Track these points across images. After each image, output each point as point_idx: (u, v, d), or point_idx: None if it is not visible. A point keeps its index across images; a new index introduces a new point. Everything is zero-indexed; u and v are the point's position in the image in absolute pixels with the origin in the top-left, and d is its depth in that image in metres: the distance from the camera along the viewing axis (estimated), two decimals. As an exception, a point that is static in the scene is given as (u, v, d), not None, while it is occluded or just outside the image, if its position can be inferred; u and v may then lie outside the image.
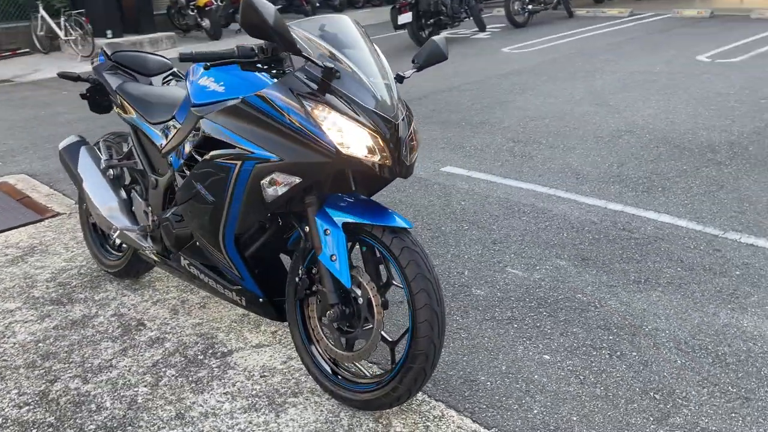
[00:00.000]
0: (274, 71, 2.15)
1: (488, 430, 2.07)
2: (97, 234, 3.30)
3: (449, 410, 2.16)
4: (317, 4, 16.44)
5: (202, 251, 2.44)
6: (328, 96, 1.96)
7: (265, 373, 2.41)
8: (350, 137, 1.94)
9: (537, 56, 9.00)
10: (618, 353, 2.46)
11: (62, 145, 3.11)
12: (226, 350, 2.58)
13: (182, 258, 2.56)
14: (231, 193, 2.16)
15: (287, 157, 1.99)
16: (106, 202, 2.84)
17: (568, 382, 2.30)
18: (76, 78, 3.08)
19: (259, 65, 2.14)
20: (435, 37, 2.33)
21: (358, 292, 2.07)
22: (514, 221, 3.72)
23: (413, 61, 2.29)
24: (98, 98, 3.14)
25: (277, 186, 2.04)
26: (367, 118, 1.95)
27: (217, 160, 2.17)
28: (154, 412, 2.24)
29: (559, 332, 2.61)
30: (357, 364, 2.28)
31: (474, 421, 2.11)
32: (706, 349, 2.46)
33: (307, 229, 2.14)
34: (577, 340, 2.56)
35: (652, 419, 2.10)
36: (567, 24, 12.11)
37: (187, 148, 2.39)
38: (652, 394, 2.22)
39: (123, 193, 2.89)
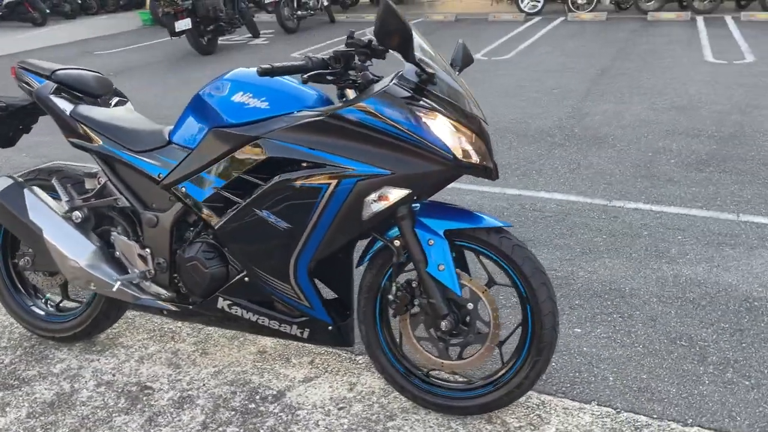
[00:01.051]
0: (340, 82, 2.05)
1: (588, 404, 2.23)
2: (22, 292, 2.70)
3: (543, 396, 2.26)
4: (47, 11, 14.80)
5: (252, 287, 2.19)
6: (432, 101, 1.93)
7: (341, 405, 2.25)
8: (461, 142, 1.93)
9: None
10: (626, 315, 2.79)
11: None
12: (275, 392, 2.34)
13: (220, 299, 2.25)
14: (318, 216, 1.99)
15: (399, 169, 1.92)
16: (82, 253, 2.35)
17: (612, 348, 2.55)
18: None
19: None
20: (460, 41, 2.37)
21: (467, 297, 2.07)
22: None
23: (452, 65, 2.29)
24: (9, 127, 2.59)
25: (381, 201, 1.95)
26: (466, 120, 1.97)
27: (300, 182, 1.98)
28: (253, 475, 1.97)
29: (568, 306, 2.87)
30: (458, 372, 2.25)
31: (573, 400, 2.25)
32: (681, 297, 2.92)
33: (397, 242, 2.07)
34: (585, 310, 2.84)
35: (696, 361, 2.46)
36: (334, 29, 12.58)
37: (227, 174, 2.12)
38: (678, 342, 2.58)
39: (97, 240, 2.42)
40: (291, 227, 2.04)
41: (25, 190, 2.43)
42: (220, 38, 10.83)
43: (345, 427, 2.15)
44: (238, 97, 2.11)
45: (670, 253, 3.33)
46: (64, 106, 2.40)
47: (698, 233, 3.55)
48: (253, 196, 2.06)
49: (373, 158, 1.93)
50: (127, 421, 2.22)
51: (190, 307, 2.31)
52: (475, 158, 1.95)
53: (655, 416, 2.15)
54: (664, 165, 4.58)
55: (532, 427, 2.11)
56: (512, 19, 12.59)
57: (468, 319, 2.09)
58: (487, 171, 1.99)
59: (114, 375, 2.47)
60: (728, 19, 11.11)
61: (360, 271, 2.19)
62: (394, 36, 1.76)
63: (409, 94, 1.92)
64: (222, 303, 2.25)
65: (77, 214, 2.41)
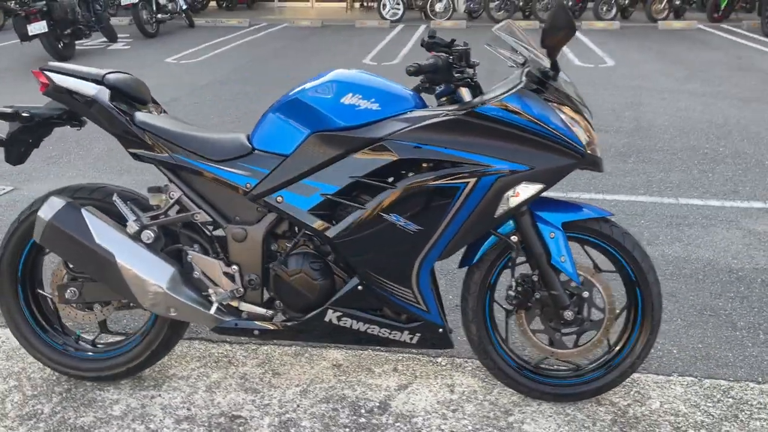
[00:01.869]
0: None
1: (671, 376, 2.41)
2: (49, 330, 2.35)
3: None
4: None
5: (365, 296, 2.11)
6: (557, 96, 2.00)
7: (452, 407, 2.23)
8: (587, 134, 2.02)
9: (220, 65, 8.89)
10: (648, 293, 3.04)
11: (47, 213, 2.09)
12: (377, 403, 2.25)
13: (330, 311, 2.12)
14: (452, 216, 1.98)
15: (537, 164, 1.96)
16: (163, 276, 2.08)
17: (667, 325, 2.74)
18: (12, 116, 2.15)
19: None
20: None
21: (583, 286, 2.16)
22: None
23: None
24: (21, 142, 2.26)
25: (516, 197, 1.99)
26: (584, 111, 2.06)
27: (435, 182, 1.95)
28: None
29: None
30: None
31: (657, 374, 2.42)
32: (679, 273, 3.23)
33: (514, 238, 2.11)
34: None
35: (730, 328, 2.74)
36: (196, 33, 12.08)
37: (340, 179, 2.02)
38: (705, 313, 2.86)
39: (173, 261, 2.16)
40: (421, 229, 2.00)
41: (84, 212, 2.11)
42: (77, 43, 9.93)
43: (469, 428, 2.14)
44: (347, 99, 2.02)
45: (644, 236, 3.66)
46: (127, 114, 2.13)
47: (655, 217, 3.94)
48: (381, 199, 1.98)
49: (512, 154, 1.95)
50: (239, 455, 2.03)
51: (290, 323, 2.16)
52: (598, 151, 2.05)
53: (731, 379, 2.39)
54: (595, 158, 5.01)
55: (639, 404, 2.25)
56: (378, 25, 12.90)
57: (584, 307, 2.18)
58: (597, 163, 2.09)
59: (189, 409, 2.23)
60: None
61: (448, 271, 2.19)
62: (562, 33, 1.80)
63: (539, 90, 1.97)
64: (331, 315, 2.13)
65: (148, 234, 2.14)
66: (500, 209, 1.99)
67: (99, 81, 2.12)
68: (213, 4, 15.92)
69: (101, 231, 2.09)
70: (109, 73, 2.15)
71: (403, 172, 2.01)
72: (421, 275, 2.06)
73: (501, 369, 2.22)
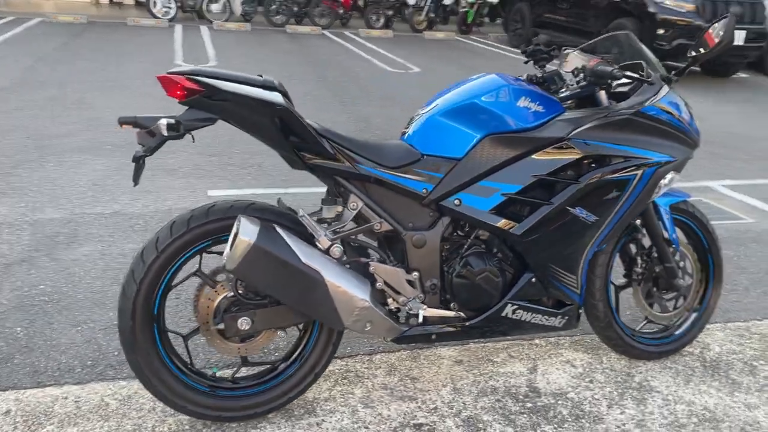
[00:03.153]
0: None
1: (711, 324, 2.96)
2: (186, 372, 2.05)
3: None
4: None
5: (536, 287, 2.25)
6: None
7: (588, 379, 2.47)
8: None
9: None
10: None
11: (250, 235, 1.81)
12: (526, 388, 2.39)
13: (508, 306, 2.20)
14: (623, 204, 2.23)
15: (677, 155, 2.31)
16: (365, 291, 1.95)
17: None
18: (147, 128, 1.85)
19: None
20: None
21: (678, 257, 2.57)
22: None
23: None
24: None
25: (665, 185, 2.32)
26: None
27: (611, 176, 2.18)
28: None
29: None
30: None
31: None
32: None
33: (638, 220, 2.45)
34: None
35: (740, 273, 3.41)
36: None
37: (522, 178, 2.13)
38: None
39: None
40: (598, 219, 2.21)
41: (280, 230, 1.87)
42: None
43: (615, 393, 2.40)
44: (522, 102, 2.14)
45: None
46: (308, 122, 1.95)
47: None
48: (567, 195, 2.14)
49: (665, 148, 2.27)
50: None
51: (468, 323, 2.19)
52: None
53: (758, 319, 3.01)
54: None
55: (703, 348, 2.75)
56: (156, 24, 12.06)
57: (682, 275, 2.59)
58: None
59: (367, 427, 2.12)
60: (349, 33, 12.97)
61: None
62: (724, 45, 2.15)
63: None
64: (508, 310, 2.22)
65: (335, 250, 1.99)
66: (654, 196, 2.30)
67: (271, 87, 1.90)
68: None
69: (303, 250, 1.89)
70: (269, 78, 1.94)
71: (577, 168, 2.19)
72: (587, 261, 2.27)
73: (622, 339, 2.53)
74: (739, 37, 9.20)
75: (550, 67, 2.52)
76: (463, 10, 14.75)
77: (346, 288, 1.93)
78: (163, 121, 1.83)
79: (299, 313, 2.03)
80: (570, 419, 2.24)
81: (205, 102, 1.87)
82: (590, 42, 2.55)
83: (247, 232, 1.84)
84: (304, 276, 1.89)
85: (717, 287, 2.67)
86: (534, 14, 11.90)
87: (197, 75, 1.85)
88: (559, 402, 2.33)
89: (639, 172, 2.22)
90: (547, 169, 2.14)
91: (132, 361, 1.96)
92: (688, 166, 2.47)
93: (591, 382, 2.46)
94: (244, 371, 2.18)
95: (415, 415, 2.20)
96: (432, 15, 14.64)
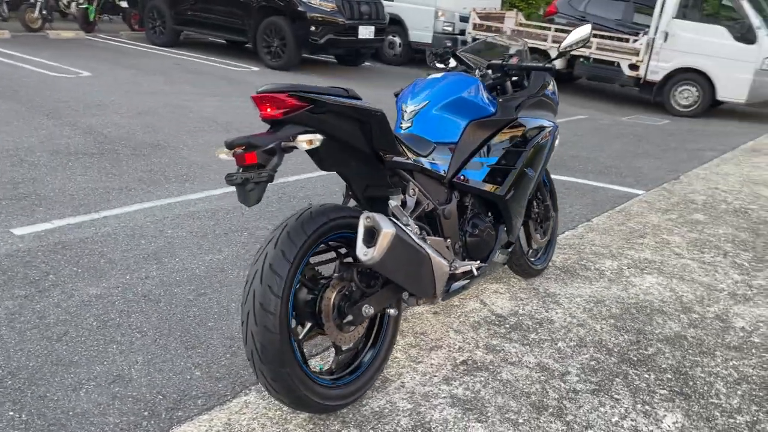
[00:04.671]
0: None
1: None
2: (309, 367, 2.21)
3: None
4: None
5: (504, 236, 2.94)
6: None
7: (518, 301, 3.28)
8: None
9: None
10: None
11: (391, 227, 2.07)
12: (539, 317, 3.08)
13: (497, 252, 2.83)
14: (543, 161, 3.07)
15: (555, 122, 3.24)
16: (445, 260, 2.35)
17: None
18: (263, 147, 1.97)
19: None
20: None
21: None
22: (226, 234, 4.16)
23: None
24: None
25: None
26: None
27: (539, 141, 2.99)
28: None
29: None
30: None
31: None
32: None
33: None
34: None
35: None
36: None
37: (497, 151, 2.80)
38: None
39: None
40: (535, 174, 2.99)
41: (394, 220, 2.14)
42: None
43: (539, 303, 3.27)
44: (485, 94, 2.79)
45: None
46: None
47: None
48: (523, 159, 2.87)
49: (552, 117, 3.18)
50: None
51: (477, 271, 2.75)
52: None
53: (626, 185, 4.18)
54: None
55: (552, 261, 3.82)
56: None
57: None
58: None
59: (469, 389, 2.55)
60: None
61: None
62: (585, 42, 3.09)
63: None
64: (497, 255, 2.86)
65: (416, 230, 2.32)
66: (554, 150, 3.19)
67: (355, 96, 2.14)
68: None
69: (411, 233, 2.21)
70: (341, 88, 2.16)
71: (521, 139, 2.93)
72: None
73: (527, 264, 3.40)
74: (370, 32, 10.98)
75: (452, 63, 3.16)
76: (82, 7, 13.71)
77: (440, 260, 2.33)
78: (303, 137, 1.94)
79: (395, 293, 2.32)
80: (534, 326, 3.02)
81: (306, 116, 2.02)
82: (474, 44, 3.28)
83: (386, 224, 2.08)
84: (418, 255, 2.23)
85: (557, 215, 3.75)
86: (175, 12, 11.89)
87: (297, 91, 1.99)
88: (520, 318, 3.09)
89: (550, 137, 3.08)
90: (510, 143, 2.83)
91: (282, 374, 2.01)
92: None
93: (521, 300, 3.28)
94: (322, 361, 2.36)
95: (454, 357, 2.70)
96: (44, 12, 13.24)
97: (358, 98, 2.15)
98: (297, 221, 2.07)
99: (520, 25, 12.00)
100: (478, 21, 11.86)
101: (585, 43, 3.06)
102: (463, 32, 12.32)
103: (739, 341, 3.05)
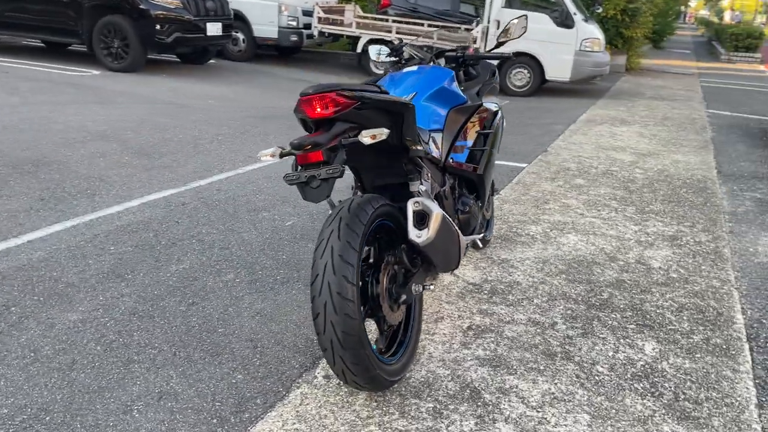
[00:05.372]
0: None
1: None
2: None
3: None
4: None
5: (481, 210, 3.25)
6: None
7: (483, 268, 3.60)
8: None
9: None
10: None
11: (438, 209, 2.29)
12: (478, 285, 3.38)
13: (483, 224, 3.13)
14: (499, 140, 3.41)
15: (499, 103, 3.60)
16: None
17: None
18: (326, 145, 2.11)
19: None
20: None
21: None
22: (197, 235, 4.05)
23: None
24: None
25: None
26: None
27: (497, 123, 3.33)
28: (547, 290, 3.40)
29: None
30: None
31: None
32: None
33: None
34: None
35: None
36: None
37: (471, 135, 3.09)
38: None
39: None
40: (497, 152, 3.31)
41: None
42: None
43: (500, 267, 3.62)
44: (456, 84, 3.06)
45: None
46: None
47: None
48: (490, 140, 3.18)
49: (496, 100, 3.51)
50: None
51: (481, 243, 3.02)
52: None
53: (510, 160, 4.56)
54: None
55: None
56: None
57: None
58: None
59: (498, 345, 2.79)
60: None
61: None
62: (521, 34, 3.45)
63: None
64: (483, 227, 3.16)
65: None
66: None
67: (385, 90, 2.30)
68: None
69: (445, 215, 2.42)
70: (369, 84, 2.31)
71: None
72: None
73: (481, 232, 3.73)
74: (218, 28, 10.73)
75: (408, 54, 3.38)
76: None
77: (463, 237, 2.57)
78: (367, 132, 2.07)
79: (428, 270, 2.52)
80: (507, 289, 3.38)
81: (353, 113, 2.15)
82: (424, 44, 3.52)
83: (435, 207, 2.28)
84: (453, 233, 2.45)
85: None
86: (-13, 14, 10.66)
87: (345, 90, 2.12)
88: (492, 284, 3.42)
89: (502, 119, 3.42)
90: (480, 126, 3.13)
91: (362, 356, 2.13)
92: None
93: (484, 269, 3.62)
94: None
95: (459, 325, 2.96)
96: None
97: (387, 92, 2.30)
98: (350, 213, 2.18)
99: (359, 17, 12.41)
100: (322, 15, 12.06)
101: (523, 32, 3.43)
102: (308, 26, 12.45)
103: (663, 278, 3.65)
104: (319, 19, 12.04)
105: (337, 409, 2.31)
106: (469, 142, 3.07)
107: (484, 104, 3.23)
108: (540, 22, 10.76)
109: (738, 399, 2.54)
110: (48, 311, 2.90)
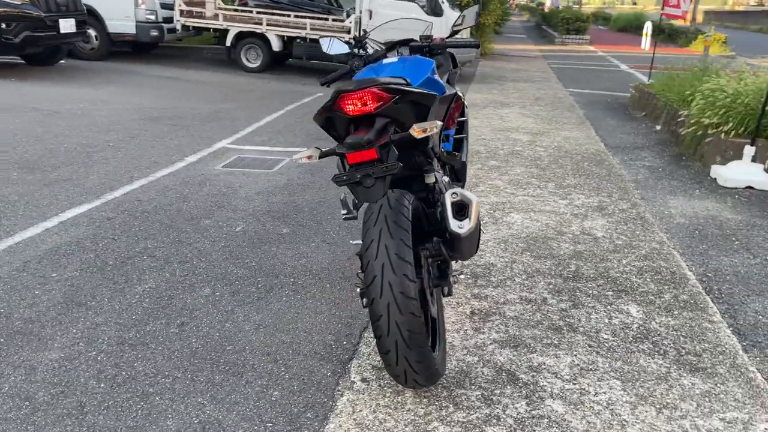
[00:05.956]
0: None
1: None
2: None
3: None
4: None
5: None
6: None
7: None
8: None
9: None
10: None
11: (475, 197, 2.23)
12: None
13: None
14: (466, 122, 3.47)
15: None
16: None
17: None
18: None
19: None
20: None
21: None
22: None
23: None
24: None
25: None
26: None
27: (466, 110, 3.39)
28: (521, 269, 3.53)
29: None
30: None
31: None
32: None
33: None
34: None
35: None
36: None
37: (452, 125, 3.13)
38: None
39: None
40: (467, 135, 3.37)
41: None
42: None
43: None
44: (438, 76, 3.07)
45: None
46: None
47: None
48: (465, 127, 3.22)
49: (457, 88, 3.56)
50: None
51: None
52: None
53: None
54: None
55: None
56: None
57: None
58: None
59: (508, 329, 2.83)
60: None
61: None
62: (475, 24, 3.51)
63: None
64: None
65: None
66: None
67: (410, 83, 2.26)
68: None
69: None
70: (396, 78, 2.27)
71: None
72: None
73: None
74: (71, 25, 9.82)
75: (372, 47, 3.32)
76: None
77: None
78: (419, 126, 2.03)
79: (453, 259, 2.52)
80: (486, 272, 3.47)
81: (391, 108, 2.11)
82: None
83: (473, 196, 2.27)
84: (478, 222, 2.46)
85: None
86: None
87: (383, 85, 2.07)
88: (471, 268, 3.49)
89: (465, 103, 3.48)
90: (458, 115, 3.16)
91: (425, 354, 2.10)
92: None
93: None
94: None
95: (462, 311, 2.99)
96: None
97: (411, 84, 2.27)
98: (392, 211, 2.13)
99: (220, 8, 11.94)
100: (185, 8, 11.45)
101: (477, 21, 3.51)
102: (168, 20, 11.74)
103: (612, 246, 3.92)
104: (182, 12, 11.41)
105: (392, 411, 2.25)
106: (452, 131, 3.10)
107: (457, 94, 3.26)
108: (411, 10, 11.00)
109: (726, 347, 2.81)
110: (18, 353, 2.54)
